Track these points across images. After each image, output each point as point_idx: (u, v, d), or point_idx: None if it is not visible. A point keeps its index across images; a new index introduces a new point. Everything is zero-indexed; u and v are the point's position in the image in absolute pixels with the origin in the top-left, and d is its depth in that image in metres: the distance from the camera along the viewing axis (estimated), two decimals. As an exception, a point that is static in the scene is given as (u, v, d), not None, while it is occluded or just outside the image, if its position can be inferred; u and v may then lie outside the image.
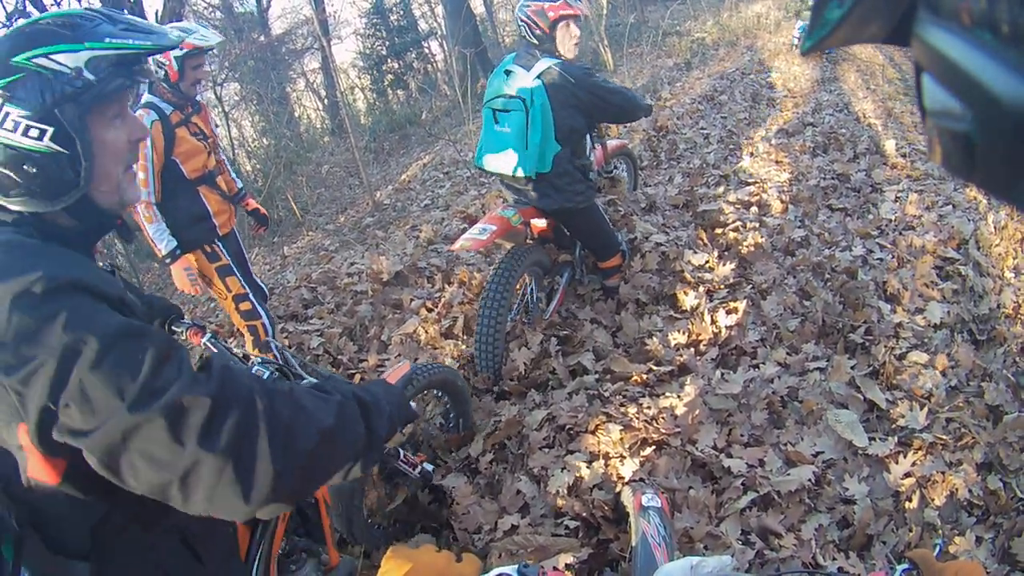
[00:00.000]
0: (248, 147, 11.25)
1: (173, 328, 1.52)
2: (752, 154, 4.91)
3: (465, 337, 2.95)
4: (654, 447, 2.05)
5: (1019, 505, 1.82)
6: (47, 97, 0.81)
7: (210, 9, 14.47)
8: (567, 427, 2.20)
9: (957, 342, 2.46)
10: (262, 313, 2.87)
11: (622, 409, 2.20)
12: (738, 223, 3.46)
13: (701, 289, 2.87)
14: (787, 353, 2.47)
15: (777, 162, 4.59)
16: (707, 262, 3.07)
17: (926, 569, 0.78)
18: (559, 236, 2.97)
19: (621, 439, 2.08)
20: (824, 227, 3.47)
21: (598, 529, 1.84)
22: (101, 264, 0.99)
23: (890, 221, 3.49)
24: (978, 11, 0.24)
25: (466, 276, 3.39)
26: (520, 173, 2.53)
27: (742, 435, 2.07)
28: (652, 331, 2.68)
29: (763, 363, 2.42)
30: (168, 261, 2.64)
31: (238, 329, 2.96)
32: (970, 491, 1.84)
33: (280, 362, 1.43)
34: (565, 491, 1.95)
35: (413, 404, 2.38)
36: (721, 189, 4.09)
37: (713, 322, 2.63)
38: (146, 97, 2.63)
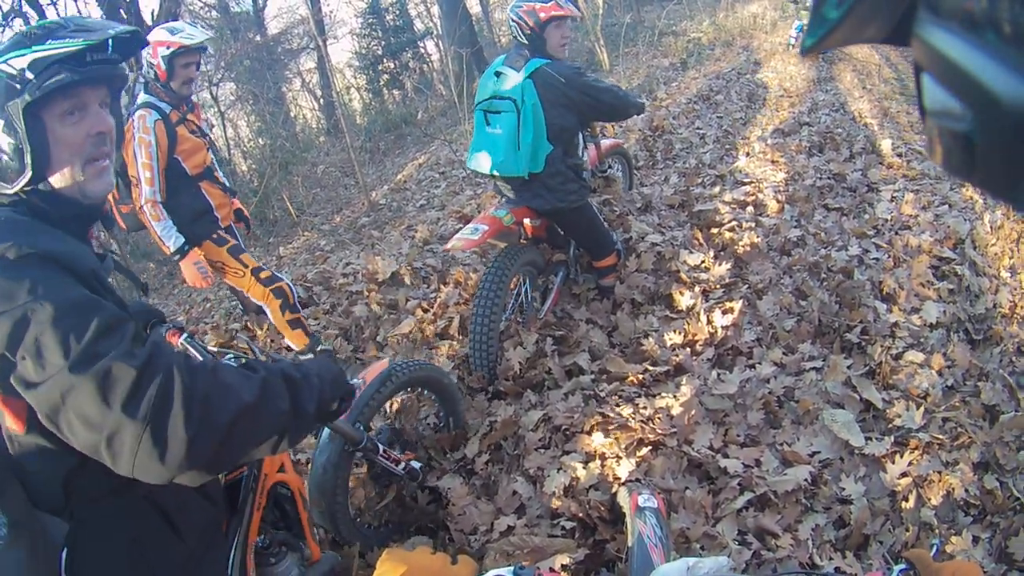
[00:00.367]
0: (244, 147, 11.20)
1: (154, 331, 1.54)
2: (748, 154, 4.91)
3: (460, 337, 2.94)
4: (650, 447, 2.05)
5: (1016, 504, 1.83)
6: (0, 96, 0.93)
7: (206, 9, 14.42)
8: (563, 428, 2.20)
9: (953, 342, 2.46)
10: (282, 276, 2.95)
11: (618, 409, 2.20)
12: (734, 223, 3.46)
13: (697, 289, 2.88)
14: (783, 353, 2.48)
15: (773, 162, 4.59)
16: (703, 262, 3.07)
17: (923, 569, 0.78)
18: (553, 236, 2.98)
19: (617, 439, 2.08)
20: (820, 227, 3.48)
21: (594, 530, 1.84)
22: (99, 250, 1.07)
23: (886, 221, 3.49)
24: (979, 11, 0.24)
25: (462, 276, 3.39)
26: (513, 173, 2.55)
27: (738, 435, 2.07)
28: (648, 331, 2.68)
29: (759, 363, 2.42)
30: (177, 258, 2.70)
31: (258, 307, 3.05)
32: (967, 491, 1.84)
33: (251, 353, 1.47)
34: (561, 492, 1.94)
35: (409, 401, 2.41)
36: (717, 189, 4.09)
37: (709, 322, 2.63)
38: (143, 97, 2.64)
